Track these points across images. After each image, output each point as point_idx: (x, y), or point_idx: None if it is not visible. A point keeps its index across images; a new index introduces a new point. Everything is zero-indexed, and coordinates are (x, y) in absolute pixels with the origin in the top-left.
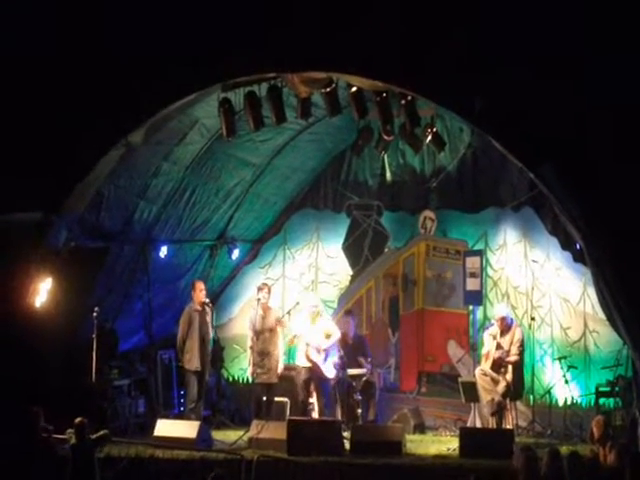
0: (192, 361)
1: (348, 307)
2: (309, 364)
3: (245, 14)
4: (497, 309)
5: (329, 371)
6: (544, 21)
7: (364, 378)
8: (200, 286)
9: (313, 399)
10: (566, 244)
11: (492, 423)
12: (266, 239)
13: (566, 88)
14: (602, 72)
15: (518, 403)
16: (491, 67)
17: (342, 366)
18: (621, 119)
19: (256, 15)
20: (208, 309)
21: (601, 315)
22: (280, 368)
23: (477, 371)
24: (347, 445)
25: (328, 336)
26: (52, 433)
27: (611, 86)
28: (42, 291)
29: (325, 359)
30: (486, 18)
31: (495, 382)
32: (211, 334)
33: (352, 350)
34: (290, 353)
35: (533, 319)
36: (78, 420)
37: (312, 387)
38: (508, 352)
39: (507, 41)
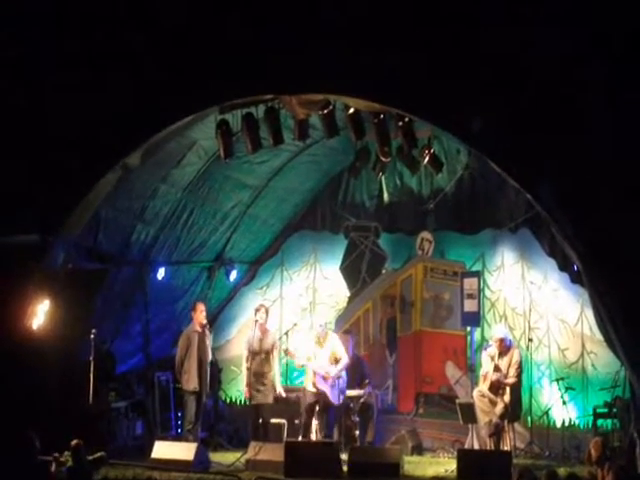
0: (190, 382)
1: (346, 328)
2: (316, 390)
3: (243, 36)
4: (496, 330)
5: (336, 398)
6: (541, 44)
7: (362, 400)
8: (201, 307)
9: (314, 421)
10: (563, 265)
11: (490, 445)
12: (263, 260)
13: (563, 107)
14: (601, 90)
15: (516, 424)
16: (488, 89)
17: (343, 389)
18: (619, 138)
19: (254, 37)
20: (207, 331)
21: (599, 336)
22: (279, 389)
23: (475, 392)
24: (345, 467)
25: (336, 360)
26: (58, 459)
27: (609, 104)
28: (40, 313)
29: (332, 386)
30: (484, 40)
31: (493, 403)
32: (209, 356)
33: (350, 371)
34: (288, 374)
35: (531, 340)
36: (75, 442)
37: (317, 410)
38: (506, 374)
39: (503, 62)
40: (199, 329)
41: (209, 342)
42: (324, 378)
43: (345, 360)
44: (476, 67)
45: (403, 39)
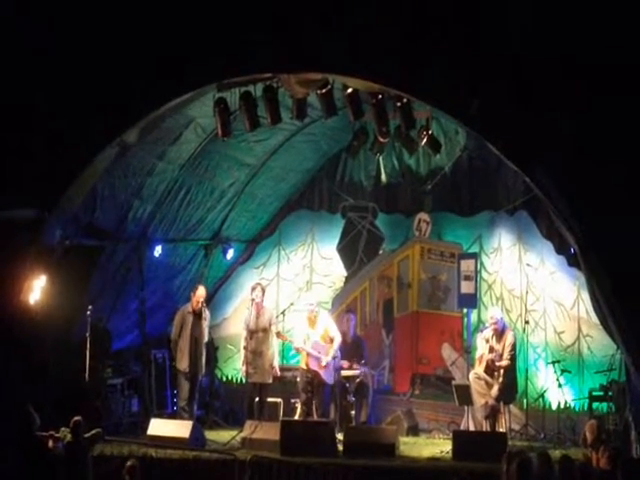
0: (182, 361)
1: (342, 308)
2: (308, 369)
3: (242, 14)
4: (491, 312)
5: (329, 377)
6: (540, 24)
7: (358, 379)
8: (201, 292)
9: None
10: (561, 248)
11: (485, 426)
12: (261, 239)
13: (562, 91)
14: (599, 74)
15: (512, 407)
16: (488, 71)
17: (337, 368)
18: (618, 123)
19: (253, 15)
20: (205, 311)
21: (595, 319)
22: (276, 368)
23: (471, 375)
24: (340, 446)
25: (330, 340)
26: (55, 435)
27: (607, 89)
28: (36, 289)
29: (326, 366)
30: (483, 20)
31: (489, 386)
32: (206, 337)
33: (350, 351)
34: (284, 353)
35: (527, 323)
36: (75, 419)
37: (313, 389)
38: (501, 356)
39: (503, 43)
40: (194, 310)
41: (206, 322)
42: (318, 365)
43: (338, 339)
44: (475, 48)
45: (402, 19)
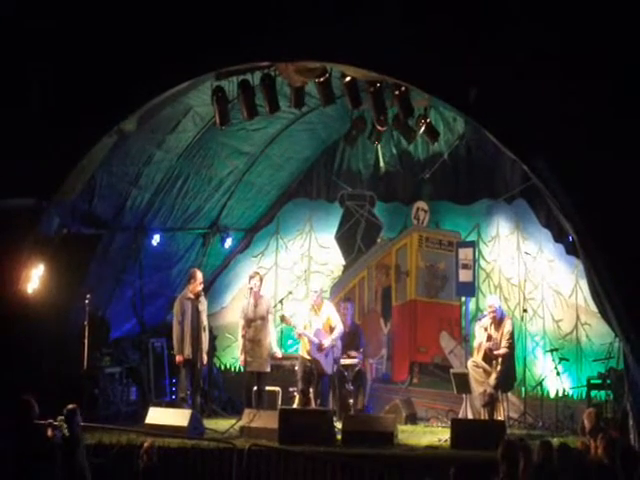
0: (185, 350)
1: (347, 296)
2: (310, 358)
3: (240, 2)
4: (489, 301)
5: (329, 367)
6: (541, 14)
7: (356, 368)
8: (200, 277)
9: (311, 389)
10: (559, 236)
11: (484, 415)
12: (259, 228)
13: (561, 81)
14: (597, 65)
15: (510, 395)
16: (486, 59)
17: (337, 358)
18: (616, 112)
19: (250, 3)
20: (203, 299)
21: (593, 308)
22: (277, 352)
23: (469, 363)
24: (339, 435)
25: (331, 328)
26: (53, 423)
27: (606, 80)
28: (34, 278)
29: (326, 355)
30: (482, 9)
31: (487, 374)
32: (204, 324)
33: (347, 340)
34: (283, 341)
35: (525, 311)
36: (70, 407)
37: (312, 378)
38: (499, 344)
39: (502, 33)
40: (192, 296)
41: (203, 309)
42: (319, 348)
43: (340, 329)
44: (474, 36)
45: (401, 8)
